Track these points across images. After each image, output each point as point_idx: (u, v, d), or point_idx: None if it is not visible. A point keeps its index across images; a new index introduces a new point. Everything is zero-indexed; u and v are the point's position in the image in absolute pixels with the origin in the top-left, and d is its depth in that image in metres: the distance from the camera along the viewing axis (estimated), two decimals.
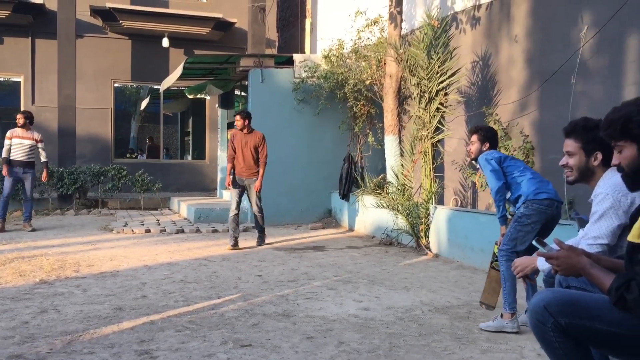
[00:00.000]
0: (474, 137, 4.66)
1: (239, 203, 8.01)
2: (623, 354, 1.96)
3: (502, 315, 4.23)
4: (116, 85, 15.81)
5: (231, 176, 8.01)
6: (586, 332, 1.91)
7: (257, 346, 3.75)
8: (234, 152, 7.97)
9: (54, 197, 12.76)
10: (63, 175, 12.41)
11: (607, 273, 1.97)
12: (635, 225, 1.93)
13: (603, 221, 2.49)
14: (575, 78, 6.52)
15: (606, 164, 2.65)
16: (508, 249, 4.28)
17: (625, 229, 2.50)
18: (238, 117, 7.91)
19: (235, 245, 7.80)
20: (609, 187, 2.53)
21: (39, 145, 9.69)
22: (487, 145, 4.61)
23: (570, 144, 2.71)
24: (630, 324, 1.86)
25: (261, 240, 8.15)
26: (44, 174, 9.78)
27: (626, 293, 1.84)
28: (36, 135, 9.71)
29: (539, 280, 3.36)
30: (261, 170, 7.95)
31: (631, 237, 1.95)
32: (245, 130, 7.90)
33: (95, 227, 10.03)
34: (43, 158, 9.73)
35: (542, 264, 2.51)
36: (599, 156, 2.65)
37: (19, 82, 14.80)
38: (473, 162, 4.83)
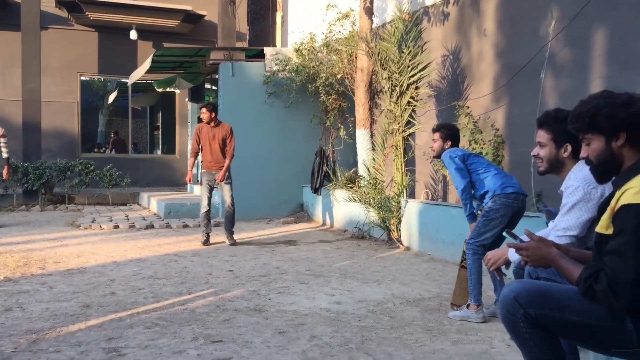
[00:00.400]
0: (436, 135, 4.72)
1: (209, 199, 7.80)
2: (592, 345, 1.98)
3: (468, 306, 4.29)
4: (83, 78, 15.49)
5: (192, 171, 7.95)
6: (556, 322, 1.92)
7: (229, 342, 3.71)
8: (198, 145, 7.74)
9: (19, 193, 12.46)
10: (28, 171, 12.12)
11: (575, 264, 1.99)
12: (603, 217, 1.95)
13: (573, 213, 2.52)
14: (544, 72, 6.60)
15: (576, 155, 2.68)
16: (475, 243, 4.34)
17: (594, 221, 2.53)
18: (204, 109, 7.67)
19: (206, 241, 7.65)
20: (579, 179, 2.55)
21: (1, 140, 9.38)
22: (449, 143, 4.68)
23: (541, 135, 2.73)
24: (599, 314, 1.88)
25: (233, 240, 7.79)
26: (5, 171, 9.49)
27: (595, 284, 1.85)
28: None
29: (509, 272, 3.39)
30: (227, 162, 7.66)
31: (599, 228, 1.97)
32: (212, 124, 7.65)
33: (62, 223, 9.82)
34: (4, 154, 9.44)
35: (512, 255, 2.53)
36: (569, 148, 2.67)
37: None
38: (435, 159, 4.91)
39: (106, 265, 6.20)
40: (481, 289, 4.32)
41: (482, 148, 7.29)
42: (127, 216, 10.59)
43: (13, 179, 11.98)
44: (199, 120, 13.53)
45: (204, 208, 7.74)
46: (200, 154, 7.87)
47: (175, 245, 7.69)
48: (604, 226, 1.93)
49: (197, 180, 13.50)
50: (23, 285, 5.21)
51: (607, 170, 2.07)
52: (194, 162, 7.92)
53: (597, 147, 2.06)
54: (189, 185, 13.96)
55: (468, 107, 7.62)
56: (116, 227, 9.28)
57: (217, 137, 7.65)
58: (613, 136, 2.02)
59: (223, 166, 7.68)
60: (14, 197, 12.32)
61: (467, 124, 7.47)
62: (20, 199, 12.39)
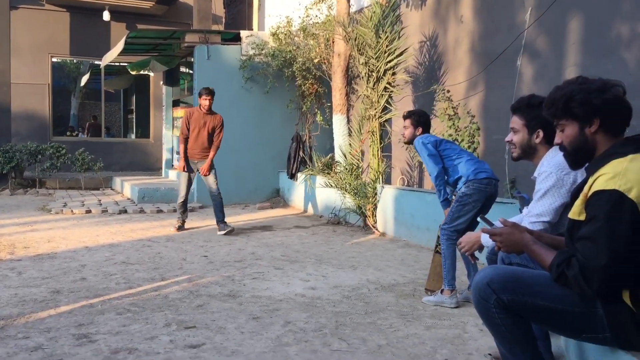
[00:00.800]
0: (407, 122, 4.72)
1: (189, 188, 7.48)
2: (563, 330, 2.00)
3: (442, 291, 4.33)
4: (54, 60, 15.15)
5: (185, 159, 7.40)
6: (528, 308, 1.93)
7: (202, 327, 3.67)
8: (189, 132, 7.33)
9: None
10: None
11: (548, 250, 1.99)
12: (576, 203, 1.95)
13: (546, 199, 2.53)
14: (520, 60, 6.63)
15: (548, 141, 2.69)
16: (450, 228, 4.38)
17: (567, 207, 2.54)
18: (208, 97, 7.24)
19: (181, 227, 7.46)
20: (552, 165, 2.57)
21: None
22: (420, 129, 4.69)
23: (515, 121, 2.74)
24: (571, 300, 1.89)
25: (228, 227, 7.30)
26: None
27: (567, 269, 1.86)
28: None
29: (482, 257, 3.40)
30: (212, 153, 7.37)
31: (572, 214, 1.98)
32: (206, 111, 7.29)
33: (33, 208, 9.63)
34: None
35: (486, 240, 2.53)
36: (541, 134, 2.68)
37: None
38: (407, 145, 4.96)
39: (77, 251, 6.10)
40: (455, 274, 4.35)
41: (457, 135, 7.32)
42: (100, 201, 10.42)
43: None
44: (174, 103, 13.39)
45: (181, 198, 7.46)
46: None
47: (149, 230, 7.59)
48: (576, 212, 1.94)
49: (172, 165, 13.37)
50: None
51: (581, 157, 2.07)
52: (185, 149, 7.36)
53: (571, 133, 2.05)
54: (163, 169, 13.80)
55: (449, 92, 7.62)
56: (88, 212, 9.13)
57: (207, 126, 7.32)
58: (587, 122, 2.02)
59: (206, 155, 7.36)
60: None
61: (446, 109, 7.47)
62: None
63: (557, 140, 2.13)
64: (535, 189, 2.60)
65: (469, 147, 7.18)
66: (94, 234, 7.14)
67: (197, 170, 7.46)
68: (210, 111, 7.34)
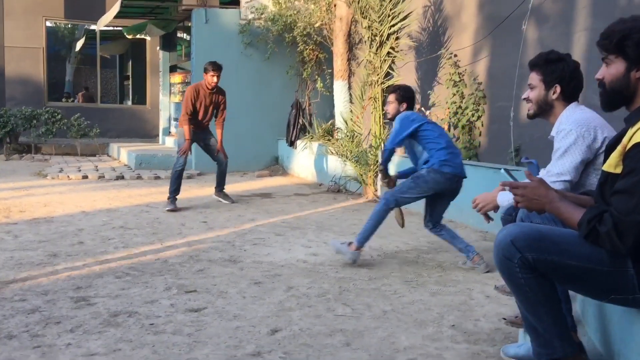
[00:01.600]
0: (392, 97, 4.60)
1: (186, 159, 6.79)
2: (590, 290, 1.90)
3: (349, 244, 4.34)
4: (48, 23, 14.82)
5: (190, 140, 6.76)
6: (554, 267, 1.83)
7: (203, 292, 3.60)
8: (194, 110, 6.74)
9: None
10: None
11: (576, 207, 1.89)
12: (613, 155, 1.84)
13: (566, 157, 2.41)
14: (526, 24, 6.45)
15: (565, 98, 2.57)
16: (393, 195, 4.36)
17: (588, 164, 2.44)
18: (212, 72, 6.65)
19: (175, 208, 6.50)
20: (572, 122, 2.45)
21: None
22: (405, 105, 4.56)
23: (532, 77, 2.62)
24: (600, 259, 1.79)
25: (227, 196, 7.12)
26: None
27: (599, 225, 1.76)
28: None
29: (497, 223, 3.31)
30: (221, 132, 6.98)
31: (607, 166, 1.86)
32: (211, 88, 6.73)
33: (28, 173, 9.50)
34: None
35: (502, 199, 2.43)
36: (558, 89, 2.56)
37: None
38: (389, 120, 4.81)
39: (74, 215, 6.00)
40: (370, 237, 4.35)
41: (462, 102, 7.18)
42: (97, 167, 10.29)
43: None
44: (171, 69, 13.16)
45: (179, 166, 6.70)
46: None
47: (147, 196, 7.49)
48: (612, 164, 1.82)
49: (169, 132, 13.20)
50: None
51: (617, 99, 1.94)
52: (189, 129, 6.69)
53: (616, 72, 1.92)
54: (160, 136, 13.66)
55: (455, 56, 7.44)
56: (85, 177, 9.01)
57: (213, 103, 6.85)
58: (635, 65, 1.89)
59: (204, 128, 6.94)
60: None
61: (452, 74, 7.31)
62: None
63: (598, 75, 2.00)
64: (555, 147, 2.48)
65: (473, 114, 7.05)
66: (91, 199, 7.04)
67: (198, 141, 7.00)
68: (216, 88, 6.79)
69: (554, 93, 2.57)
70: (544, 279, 1.86)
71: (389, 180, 4.60)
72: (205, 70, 6.72)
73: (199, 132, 6.92)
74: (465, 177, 4.49)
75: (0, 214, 5.90)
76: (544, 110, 2.61)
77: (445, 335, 2.99)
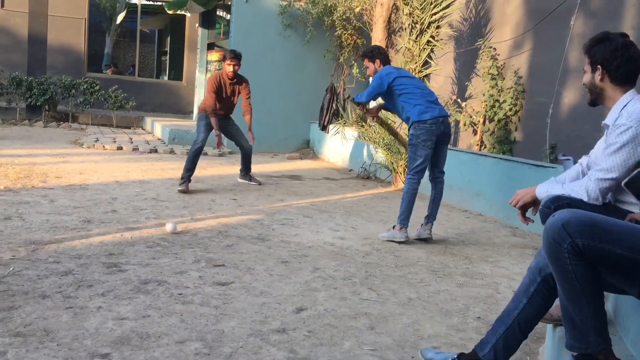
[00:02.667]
0: (365, 62, 4.94)
1: (207, 135, 6.47)
2: (635, 285, 1.86)
3: (394, 227, 4.68)
4: None
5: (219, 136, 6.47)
6: (603, 255, 1.78)
7: (231, 266, 3.64)
8: (218, 103, 6.50)
9: (22, 107, 12.28)
10: (32, 85, 11.89)
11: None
12: None
13: (620, 154, 2.28)
14: (574, 18, 6.30)
15: (614, 80, 2.39)
16: (411, 171, 4.68)
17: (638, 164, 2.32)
18: (230, 60, 6.35)
19: (186, 189, 6.09)
20: (634, 119, 2.29)
21: None
22: (378, 62, 4.86)
23: (585, 61, 2.47)
24: None
25: (254, 178, 6.95)
26: None
27: None
28: None
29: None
30: (250, 117, 6.67)
31: None
32: (231, 77, 6.46)
33: (65, 141, 9.69)
34: None
35: (541, 192, 2.37)
36: (600, 70, 2.40)
37: None
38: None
39: (108, 184, 6.12)
40: (409, 215, 4.66)
41: (499, 95, 7.08)
42: (131, 139, 10.45)
43: (17, 92, 11.78)
44: (209, 47, 13.22)
45: (199, 143, 6.33)
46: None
47: (179, 170, 7.53)
48: None
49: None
50: (23, 196, 5.13)
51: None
52: (217, 121, 6.40)
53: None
54: (195, 113, 13.75)
55: (495, 49, 7.33)
56: (119, 148, 9.16)
57: (235, 92, 6.61)
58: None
59: (228, 114, 6.70)
60: (17, 111, 12.15)
61: (490, 67, 7.20)
62: (24, 113, 12.23)
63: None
64: (608, 140, 2.33)
65: (511, 109, 6.94)
66: (124, 170, 7.16)
67: (221, 125, 6.59)
68: (236, 77, 6.51)
69: (598, 75, 2.42)
70: (591, 267, 1.81)
71: (368, 111, 5.07)
72: (224, 58, 6.51)
73: (221, 120, 6.58)
74: (448, 115, 4.78)
75: (38, 179, 6.05)
76: (597, 95, 2.45)
77: (471, 326, 2.98)
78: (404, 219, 4.63)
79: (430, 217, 4.82)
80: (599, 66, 2.37)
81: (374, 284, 3.55)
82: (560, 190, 2.30)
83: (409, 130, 4.71)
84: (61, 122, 12.30)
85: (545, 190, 2.34)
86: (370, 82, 4.82)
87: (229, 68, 6.39)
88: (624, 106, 2.33)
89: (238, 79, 6.54)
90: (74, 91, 12.25)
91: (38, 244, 3.77)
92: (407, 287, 3.55)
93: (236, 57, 6.40)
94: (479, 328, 2.95)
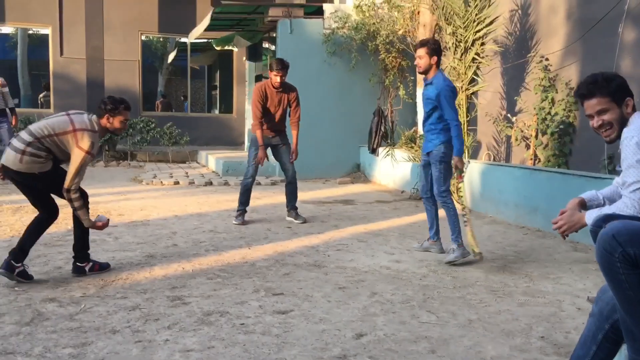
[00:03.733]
0: (422, 51, 4.67)
1: (257, 167, 6.34)
2: None
3: (452, 249, 4.64)
4: (143, 37, 15.67)
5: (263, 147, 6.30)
6: None
7: (289, 295, 3.71)
8: (263, 115, 6.26)
9: None
10: None
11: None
12: None
13: (637, 164, 2.35)
14: (622, 26, 6.18)
15: (635, 108, 2.51)
16: (444, 191, 4.72)
17: None
18: (276, 70, 6.10)
19: (244, 221, 6.18)
20: (632, 129, 2.40)
21: (3, 90, 9.27)
22: (435, 59, 4.66)
23: (597, 102, 2.50)
24: None
25: (298, 215, 6.42)
26: (14, 120, 9.36)
27: None
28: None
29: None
30: (296, 133, 6.46)
31: None
32: (277, 87, 6.22)
33: (125, 179, 10.08)
34: (10, 104, 9.38)
35: (590, 217, 2.37)
36: (630, 102, 2.49)
37: (47, 34, 14.75)
38: (421, 74, 4.85)
39: (168, 219, 6.33)
40: (460, 232, 4.69)
41: (551, 108, 6.96)
42: (187, 173, 10.78)
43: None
44: (257, 79, 13.55)
45: (248, 177, 6.30)
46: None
47: (234, 202, 7.71)
48: None
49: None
50: (90, 236, 5.36)
51: None
52: (262, 134, 6.25)
53: None
54: (246, 144, 14.05)
55: (547, 60, 7.22)
56: (176, 183, 9.46)
57: (283, 102, 6.32)
58: None
59: (281, 130, 6.44)
60: None
61: (542, 79, 7.10)
62: None
63: None
64: (622, 156, 2.42)
65: (564, 121, 6.82)
66: (182, 204, 7.39)
67: (271, 145, 6.47)
68: (283, 86, 6.26)
69: (627, 107, 2.50)
70: None
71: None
72: (270, 68, 6.25)
73: (272, 137, 6.40)
74: None
75: None
76: (622, 128, 2.54)
77: (534, 346, 2.93)
78: (457, 236, 4.67)
79: (438, 233, 5.00)
80: (628, 98, 2.47)
81: (432, 306, 3.54)
82: (607, 210, 2.33)
83: (437, 147, 4.70)
84: (121, 161, 12.81)
85: (593, 216, 2.36)
86: (443, 93, 4.59)
87: (275, 78, 6.15)
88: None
89: (285, 87, 6.29)
90: (131, 130, 12.75)
91: (106, 281, 3.95)
92: (466, 308, 3.52)
93: (283, 67, 6.13)
94: (544, 348, 2.90)
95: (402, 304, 3.58)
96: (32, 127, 3.91)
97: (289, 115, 6.48)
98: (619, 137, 2.58)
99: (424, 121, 4.87)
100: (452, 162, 4.65)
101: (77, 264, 4.10)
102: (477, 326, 3.20)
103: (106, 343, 2.88)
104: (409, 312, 3.41)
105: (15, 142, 3.85)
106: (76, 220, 4.09)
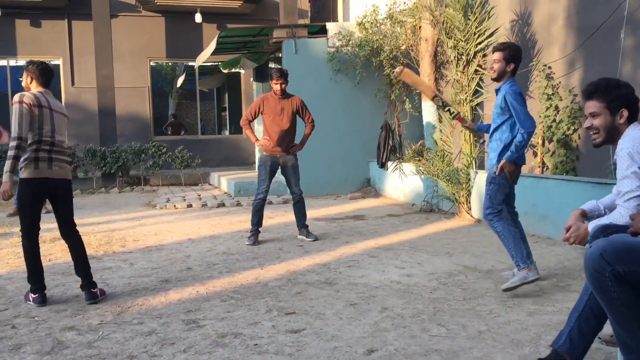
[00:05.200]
0: (499, 55, 4.23)
1: (269, 183, 6.39)
2: None
3: (519, 270, 4.12)
4: (152, 63, 15.95)
5: (264, 139, 6.40)
6: None
7: (301, 313, 3.78)
8: (253, 118, 6.40)
9: (98, 176, 13.07)
10: (105, 155, 12.68)
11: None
12: None
13: (632, 174, 2.45)
14: (624, 31, 6.23)
15: (629, 120, 2.60)
16: (494, 209, 4.24)
17: None
18: (276, 79, 6.20)
19: (256, 241, 6.26)
20: (627, 140, 2.50)
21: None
22: (512, 66, 4.22)
23: (593, 105, 2.62)
24: None
25: (309, 233, 6.47)
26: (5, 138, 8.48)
27: None
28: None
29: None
30: (308, 130, 6.50)
31: None
32: (281, 95, 6.29)
33: (139, 204, 10.23)
34: None
35: (591, 227, 2.45)
36: (625, 113, 2.58)
37: (57, 65, 15.07)
38: (493, 80, 4.37)
39: (182, 243, 6.43)
40: (523, 248, 4.16)
41: (556, 116, 7.01)
42: (199, 196, 10.91)
43: (92, 162, 12.58)
44: None
45: (260, 194, 6.36)
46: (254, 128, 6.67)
47: (246, 222, 7.83)
48: None
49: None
50: (106, 262, 5.49)
51: None
52: (252, 130, 6.48)
53: None
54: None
55: (549, 68, 7.28)
56: (189, 206, 9.59)
57: (286, 112, 6.30)
58: None
59: (289, 150, 6.42)
60: (93, 180, 12.94)
61: (546, 87, 7.15)
62: (100, 181, 13.00)
63: None
64: (617, 166, 2.53)
65: (569, 128, 6.86)
66: (195, 227, 7.50)
67: (280, 164, 6.46)
68: (285, 95, 6.32)
69: (620, 117, 2.59)
70: (635, 291, 1.85)
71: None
72: (270, 78, 6.35)
73: (279, 155, 6.40)
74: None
75: (117, 244, 6.44)
76: (612, 136, 2.64)
77: (543, 355, 2.97)
78: (522, 256, 4.14)
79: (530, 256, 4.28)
80: (624, 109, 2.59)
81: (442, 319, 3.59)
82: (604, 220, 2.41)
83: (492, 167, 4.29)
84: (134, 186, 12.99)
85: (592, 227, 2.44)
86: (510, 100, 4.14)
87: (276, 87, 6.24)
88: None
89: (286, 95, 6.35)
90: (143, 155, 12.96)
91: (122, 307, 4.05)
92: (476, 319, 3.57)
93: (282, 75, 6.22)
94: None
95: (413, 318, 3.63)
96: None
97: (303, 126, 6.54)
98: (604, 143, 2.71)
99: (490, 135, 4.45)
100: (500, 163, 4.20)
101: (91, 290, 4.20)
102: (487, 337, 3.25)
103: None
104: (419, 326, 3.47)
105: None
106: (71, 245, 4.30)
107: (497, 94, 4.36)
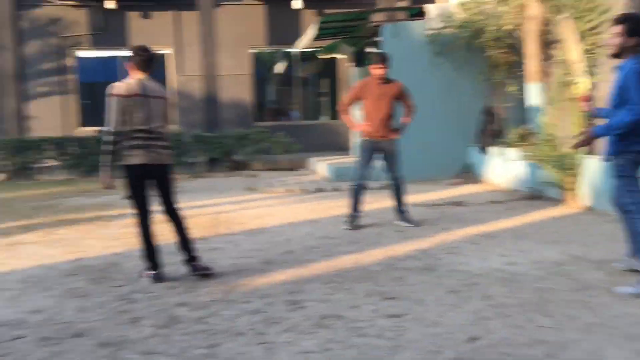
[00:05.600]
0: (618, 29, 3.84)
1: (369, 168, 6.38)
2: None
3: None
4: (253, 51, 16.41)
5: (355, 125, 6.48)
6: None
7: (402, 299, 3.79)
8: (353, 103, 6.42)
9: (204, 161, 13.70)
10: (210, 140, 13.26)
11: None
12: None
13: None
14: None
15: None
16: (628, 201, 3.96)
17: None
18: (375, 64, 6.14)
19: (356, 226, 6.26)
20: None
21: None
22: (634, 40, 3.79)
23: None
24: None
25: (409, 219, 6.37)
26: None
27: None
28: None
29: None
30: (408, 117, 6.43)
31: None
32: (380, 80, 6.18)
33: (242, 188, 10.61)
34: None
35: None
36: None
37: (168, 54, 15.83)
38: (613, 57, 3.97)
39: (283, 226, 6.62)
40: None
41: None
42: (299, 180, 11.15)
43: (198, 148, 13.21)
44: None
45: (361, 178, 6.33)
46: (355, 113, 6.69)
47: (345, 207, 7.90)
48: None
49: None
50: (213, 244, 5.77)
51: None
52: (348, 117, 6.49)
53: None
54: (356, 148, 14.26)
55: None
56: (290, 190, 9.82)
57: (386, 97, 6.21)
58: None
59: (389, 136, 6.35)
60: (199, 165, 13.58)
61: None
62: (205, 166, 13.62)
63: None
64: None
65: None
66: (295, 211, 7.68)
67: (380, 149, 6.39)
68: (385, 80, 6.19)
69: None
70: None
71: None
72: (371, 63, 6.32)
73: (377, 141, 6.32)
74: None
75: (223, 226, 6.75)
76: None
77: None
78: None
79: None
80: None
81: (549, 309, 3.48)
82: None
83: (611, 157, 4.01)
84: (237, 171, 13.49)
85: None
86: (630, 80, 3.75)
87: (377, 72, 6.13)
88: None
89: (387, 80, 6.22)
90: (245, 141, 13.42)
91: (230, 286, 4.25)
92: (586, 311, 3.42)
93: (383, 59, 6.13)
94: None
95: (517, 307, 3.54)
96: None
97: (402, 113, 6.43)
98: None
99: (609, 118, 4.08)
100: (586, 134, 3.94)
101: (193, 263, 4.46)
102: (598, 330, 3.11)
103: (233, 344, 3.13)
104: (524, 316, 3.38)
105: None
106: (173, 224, 4.60)
107: (617, 73, 3.94)
